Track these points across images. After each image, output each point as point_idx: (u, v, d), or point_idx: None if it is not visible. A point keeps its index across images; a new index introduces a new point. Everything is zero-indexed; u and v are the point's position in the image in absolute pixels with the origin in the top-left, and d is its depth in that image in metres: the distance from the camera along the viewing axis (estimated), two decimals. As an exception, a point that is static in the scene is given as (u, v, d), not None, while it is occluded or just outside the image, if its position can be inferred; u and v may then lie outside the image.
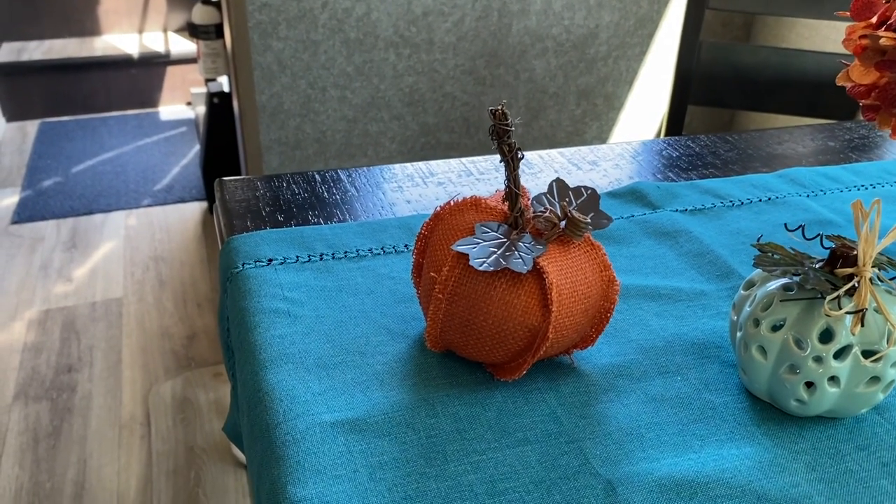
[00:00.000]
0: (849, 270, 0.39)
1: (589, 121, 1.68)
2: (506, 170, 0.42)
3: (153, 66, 2.90)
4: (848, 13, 0.51)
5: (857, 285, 0.39)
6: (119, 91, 2.90)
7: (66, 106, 2.86)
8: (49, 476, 1.41)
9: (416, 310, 0.49)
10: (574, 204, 0.44)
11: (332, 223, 0.59)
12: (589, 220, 0.42)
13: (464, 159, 0.71)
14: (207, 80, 2.19)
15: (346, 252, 0.54)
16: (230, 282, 0.52)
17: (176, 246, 2.13)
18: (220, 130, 2.14)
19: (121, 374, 1.66)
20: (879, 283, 0.41)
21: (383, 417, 0.40)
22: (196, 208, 2.30)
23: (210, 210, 2.27)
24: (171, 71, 2.92)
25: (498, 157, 0.70)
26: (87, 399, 1.58)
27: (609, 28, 1.55)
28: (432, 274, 0.42)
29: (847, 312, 0.38)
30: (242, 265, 0.52)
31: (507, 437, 0.39)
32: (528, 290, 0.40)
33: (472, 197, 0.44)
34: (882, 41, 0.46)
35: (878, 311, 0.39)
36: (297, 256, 0.53)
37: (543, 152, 0.73)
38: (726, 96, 1.11)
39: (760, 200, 0.65)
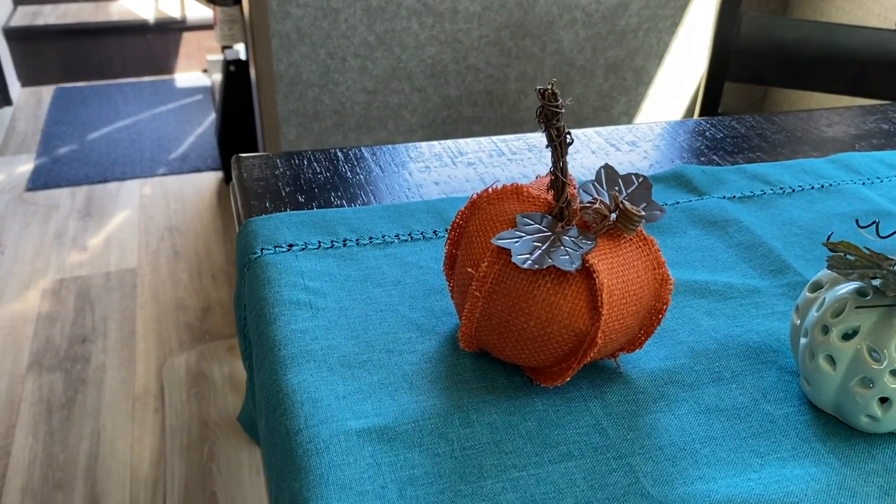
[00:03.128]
0: (935, 275, 0.35)
1: (617, 95, 1.63)
2: (552, 155, 0.38)
3: (169, 31, 2.85)
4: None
5: (943, 292, 0.35)
6: (135, 57, 2.86)
7: (82, 71, 2.83)
8: (62, 448, 1.40)
9: (447, 303, 0.45)
10: (624, 193, 0.41)
11: (355, 205, 0.55)
12: (643, 212, 0.38)
13: (495, 138, 0.67)
14: (224, 48, 2.15)
15: (371, 238, 0.51)
16: (248, 268, 0.48)
17: (191, 216, 2.10)
18: (237, 99, 2.10)
19: (135, 345, 1.64)
20: (965, 288, 0.37)
21: (413, 426, 0.37)
22: (211, 178, 2.27)
23: (226, 180, 2.24)
24: (187, 37, 2.88)
25: (531, 136, 0.66)
26: (101, 370, 1.57)
27: (641, -1, 1.48)
28: (469, 270, 0.38)
29: (933, 323, 0.34)
30: (261, 250, 0.49)
31: (549, 450, 0.36)
32: (575, 290, 0.36)
33: (512, 185, 0.40)
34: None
35: (966, 321, 0.35)
36: (320, 242, 0.50)
37: (579, 131, 0.69)
38: (766, 72, 1.06)
39: (813, 188, 0.60)
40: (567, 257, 0.36)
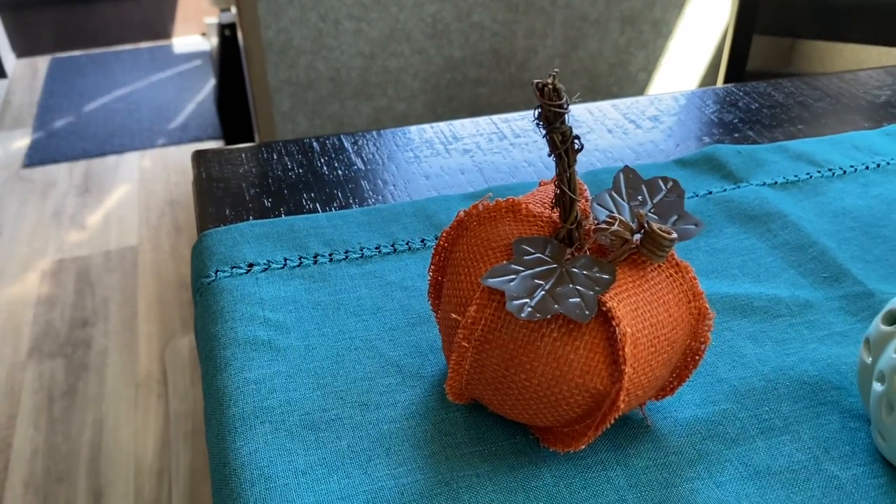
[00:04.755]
0: None
1: (634, 50, 1.52)
2: (557, 166, 0.29)
3: (164, -6, 2.74)
4: None
5: None
6: (131, 22, 2.75)
7: (77, 39, 2.73)
8: (65, 438, 1.35)
9: (434, 336, 0.37)
10: (649, 204, 0.32)
11: (331, 208, 0.47)
12: (675, 234, 0.30)
13: (495, 118, 0.58)
14: (221, 10, 2.05)
15: (347, 252, 0.43)
16: (200, 294, 0.41)
17: (192, 189, 2.03)
18: (235, 65, 2.01)
19: (137, 328, 1.59)
20: None
21: (389, 513, 0.29)
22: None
23: (226, 150, 2.16)
24: (184, 0, 2.77)
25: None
26: (103, 355, 1.52)
27: (658, -57, 1.36)
28: (453, 316, 0.30)
29: None
30: (216, 273, 0.41)
31: (560, 541, 0.29)
32: (589, 340, 0.28)
33: (508, 200, 0.32)
34: None
35: None
36: (286, 260, 0.42)
37: (594, 106, 0.60)
38: (799, 24, 0.95)
39: (867, 167, 0.52)
40: (578, 300, 0.28)
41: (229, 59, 2.01)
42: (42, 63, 2.68)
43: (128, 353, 1.52)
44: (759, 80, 0.64)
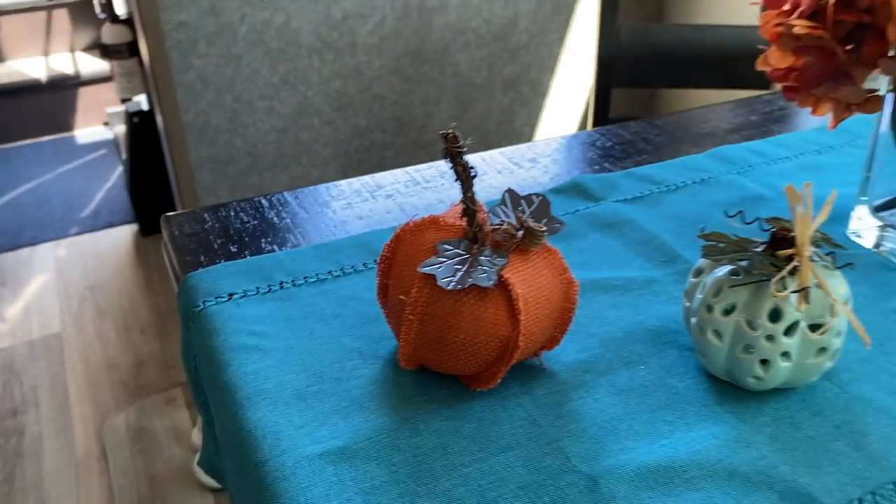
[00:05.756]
0: (789, 252, 0.42)
1: (517, 108, 1.71)
2: (462, 188, 0.43)
3: (64, 88, 2.79)
4: (761, 2, 0.54)
5: (798, 265, 0.42)
6: (31, 117, 2.78)
7: (-25, 138, 2.74)
8: (7, 526, 1.36)
9: (384, 329, 0.50)
10: (528, 212, 0.46)
11: (286, 248, 0.59)
12: (545, 227, 0.44)
13: (409, 169, 0.72)
14: (124, 100, 2.13)
15: (305, 278, 0.55)
16: (193, 321, 0.52)
17: (111, 273, 2.07)
18: (144, 150, 2.09)
19: (70, 410, 1.61)
20: (818, 259, 0.44)
21: (368, 442, 0.41)
22: (127, 232, 2.24)
23: (142, 232, 2.21)
24: (84, 92, 2.83)
25: (441, 163, 0.72)
26: (38, 441, 1.53)
27: (527, 16, 1.57)
28: (401, 297, 0.43)
29: (792, 292, 0.41)
30: (204, 303, 0.52)
31: (490, 445, 0.41)
32: (495, 302, 0.42)
33: (430, 216, 0.45)
34: (796, 29, 0.49)
35: (819, 286, 0.42)
36: (258, 288, 0.53)
37: (486, 154, 0.75)
38: (648, 76, 1.15)
39: (694, 182, 0.68)
40: (485, 275, 0.41)
41: (139, 144, 2.10)
42: (-60, 164, 2.66)
43: (64, 436, 1.55)
44: (614, 124, 0.81)
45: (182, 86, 1.30)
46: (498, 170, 0.72)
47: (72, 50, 2.92)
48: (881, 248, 0.58)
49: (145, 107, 2.06)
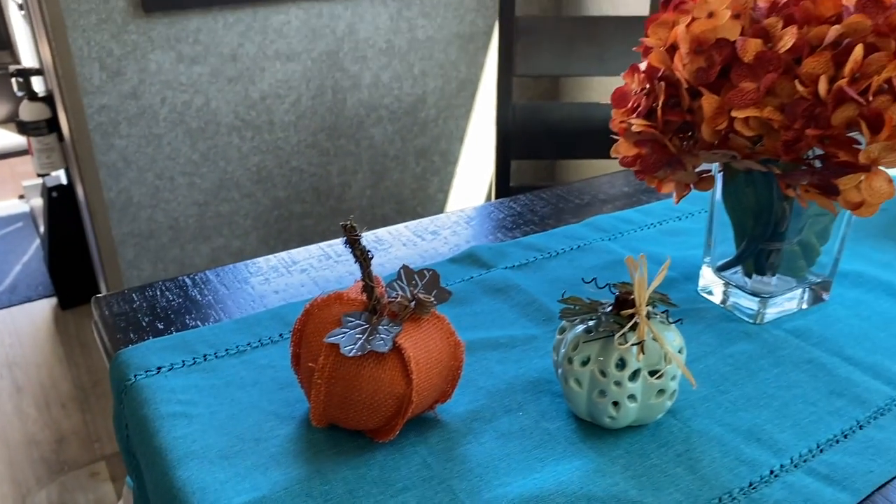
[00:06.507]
0: (630, 311, 0.51)
1: (430, 176, 1.81)
2: (361, 269, 0.51)
3: (-23, 163, 2.76)
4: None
5: (637, 322, 0.51)
6: (-60, 193, 2.73)
7: None
8: None
9: (298, 393, 0.57)
10: (420, 285, 0.54)
11: (209, 324, 0.66)
12: (433, 299, 0.52)
13: (322, 244, 0.79)
14: (42, 175, 2.14)
15: (226, 350, 0.61)
16: (125, 393, 0.57)
17: (29, 349, 2.04)
18: (63, 223, 2.10)
19: (-13, 493, 1.58)
20: (656, 316, 0.53)
21: (284, 492, 0.48)
22: (45, 306, 2.22)
23: (61, 306, 2.20)
24: (-2, 166, 2.80)
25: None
26: (-47, 526, 1.50)
27: (435, 93, 1.69)
28: (310, 364, 0.50)
29: (632, 344, 0.50)
30: (134, 377, 0.58)
31: (390, 488, 0.48)
32: (391, 365, 0.49)
33: (335, 292, 0.53)
34: (634, 126, 0.60)
35: (654, 339, 0.51)
36: (183, 361, 0.60)
37: (392, 228, 0.83)
38: (542, 149, 1.27)
39: (572, 249, 0.78)
40: (382, 342, 0.49)
41: (58, 218, 2.10)
42: None
43: (-20, 519, 1.51)
44: (508, 196, 0.91)
45: (104, 165, 1.35)
46: (403, 242, 0.80)
47: (-15, 124, 2.90)
48: (727, 303, 0.69)
49: (64, 180, 2.08)
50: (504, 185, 1.27)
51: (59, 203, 2.06)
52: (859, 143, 0.53)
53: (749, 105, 0.53)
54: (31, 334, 2.10)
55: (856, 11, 0.53)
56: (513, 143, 1.25)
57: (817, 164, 0.55)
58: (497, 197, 1.32)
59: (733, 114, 0.54)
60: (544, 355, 0.61)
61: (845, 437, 0.53)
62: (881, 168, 0.53)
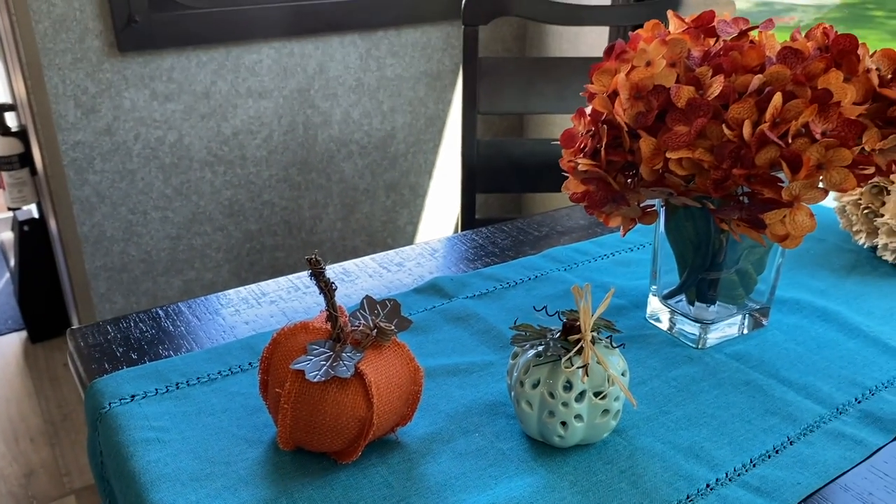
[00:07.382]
0: (576, 336, 0.56)
1: (399, 209, 1.86)
2: (325, 300, 0.54)
3: (-54, 197, 2.75)
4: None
5: (583, 346, 0.55)
6: None
7: None
8: None
9: (266, 418, 0.60)
10: (381, 315, 0.58)
11: (181, 353, 0.68)
12: (393, 327, 0.56)
13: (291, 276, 0.83)
14: (13, 209, 2.15)
15: (198, 378, 0.64)
16: (100, 421, 0.60)
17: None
18: (34, 257, 2.10)
19: (-47, 529, 1.57)
20: (601, 341, 0.57)
21: (253, 510, 0.50)
22: (15, 339, 2.22)
23: (31, 339, 2.19)
24: (-32, 199, 2.80)
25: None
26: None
27: (404, 128, 1.74)
28: (277, 390, 0.53)
29: (578, 368, 0.54)
30: (109, 405, 0.60)
31: (353, 506, 0.51)
32: (353, 390, 0.53)
33: (301, 322, 0.56)
34: (580, 166, 0.64)
35: (599, 362, 0.55)
36: (157, 389, 0.62)
37: (358, 261, 0.87)
38: (506, 183, 1.32)
39: (530, 279, 0.82)
40: (344, 368, 0.53)
41: (29, 251, 2.11)
42: None
43: (-54, 556, 1.50)
44: (473, 229, 0.95)
45: (78, 200, 1.37)
46: (369, 273, 0.84)
47: (-45, 158, 2.90)
48: (673, 330, 0.73)
49: (36, 214, 2.09)
50: (470, 217, 1.32)
51: (31, 237, 2.07)
52: (782, 182, 0.58)
53: (682, 147, 0.58)
54: (1, 368, 2.09)
55: (777, 62, 0.59)
56: (478, 178, 1.30)
57: (746, 200, 0.60)
58: (463, 229, 1.37)
59: (668, 155, 0.59)
60: (500, 380, 0.65)
61: (777, 452, 0.58)
62: (803, 203, 0.58)
